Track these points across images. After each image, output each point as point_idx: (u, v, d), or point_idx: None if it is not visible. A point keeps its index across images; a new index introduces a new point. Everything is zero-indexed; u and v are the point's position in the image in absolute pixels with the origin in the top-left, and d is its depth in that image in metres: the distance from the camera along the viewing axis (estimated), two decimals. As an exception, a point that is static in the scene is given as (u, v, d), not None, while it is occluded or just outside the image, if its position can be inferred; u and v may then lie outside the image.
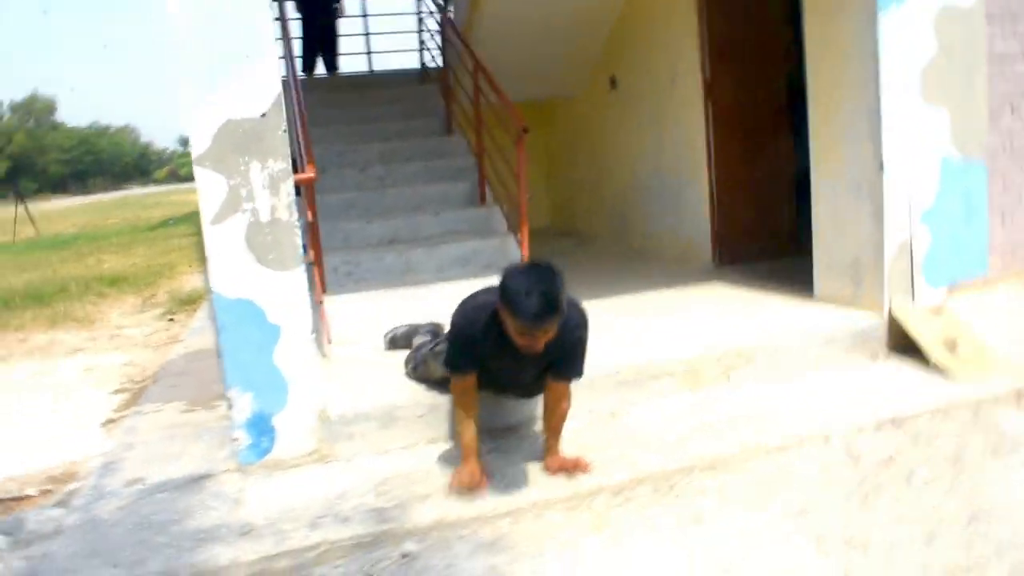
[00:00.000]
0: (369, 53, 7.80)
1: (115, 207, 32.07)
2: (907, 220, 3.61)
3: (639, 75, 6.01)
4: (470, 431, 2.62)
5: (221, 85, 2.63)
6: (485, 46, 5.77)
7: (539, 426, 2.93)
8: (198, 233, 3.32)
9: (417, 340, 3.45)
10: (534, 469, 2.73)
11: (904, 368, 3.48)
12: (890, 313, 3.63)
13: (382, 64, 7.94)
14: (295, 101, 4.19)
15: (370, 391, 3.14)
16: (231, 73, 2.63)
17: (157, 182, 70.86)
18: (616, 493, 2.60)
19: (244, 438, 2.85)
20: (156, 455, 3.17)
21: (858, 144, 3.65)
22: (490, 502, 2.52)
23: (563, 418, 2.74)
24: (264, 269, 2.76)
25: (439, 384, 3.04)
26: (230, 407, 2.84)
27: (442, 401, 3.02)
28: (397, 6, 7.97)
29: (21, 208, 19.23)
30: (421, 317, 3.81)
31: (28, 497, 3.06)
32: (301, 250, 2.79)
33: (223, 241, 2.70)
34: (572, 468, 2.68)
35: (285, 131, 2.71)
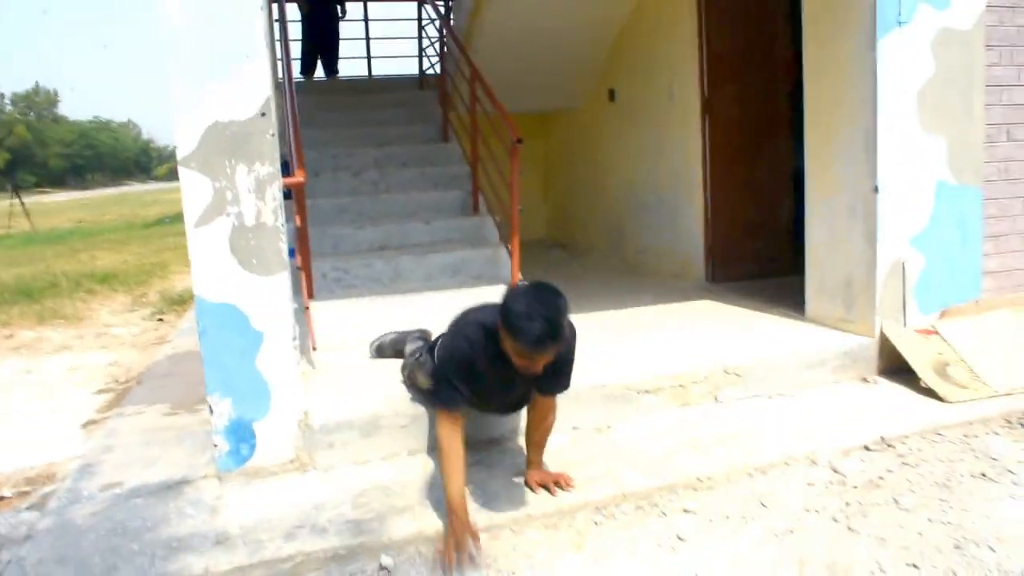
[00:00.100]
0: (369, 58, 7.79)
1: (113, 203, 32.03)
2: (900, 242, 3.59)
3: (638, 89, 6.01)
4: (460, 480, 2.38)
5: (209, 87, 2.60)
6: (484, 55, 5.75)
7: (522, 439, 2.90)
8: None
9: (409, 347, 3.41)
10: (516, 484, 2.70)
11: (894, 390, 3.46)
12: (881, 334, 3.61)
13: (382, 69, 7.91)
14: (289, 104, 4.16)
15: (353, 399, 3.11)
16: (220, 75, 2.60)
17: (157, 179, 70.76)
18: (598, 510, 2.57)
19: (223, 444, 2.81)
20: (135, 459, 3.12)
21: (853, 165, 3.63)
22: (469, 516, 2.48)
23: (548, 432, 2.71)
24: (248, 274, 2.72)
25: (429, 394, 3.00)
26: (211, 412, 2.80)
27: (424, 412, 2.99)
28: (399, 12, 7.97)
29: (16, 202, 19.14)
30: (408, 325, 3.79)
31: (3, 499, 3.01)
32: (286, 255, 2.75)
33: (206, 244, 2.67)
34: (554, 484, 2.64)
35: (273, 135, 2.68)
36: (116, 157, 78.69)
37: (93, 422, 3.83)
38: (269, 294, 2.76)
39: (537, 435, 2.70)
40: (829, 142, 3.78)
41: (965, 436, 2.99)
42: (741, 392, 3.42)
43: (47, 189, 56.02)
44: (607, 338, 3.89)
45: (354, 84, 7.26)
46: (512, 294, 2.32)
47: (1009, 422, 3.12)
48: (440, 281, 4.39)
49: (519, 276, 4.19)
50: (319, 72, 7.59)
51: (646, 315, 4.48)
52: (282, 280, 2.77)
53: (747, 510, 2.55)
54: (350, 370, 3.52)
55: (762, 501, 2.59)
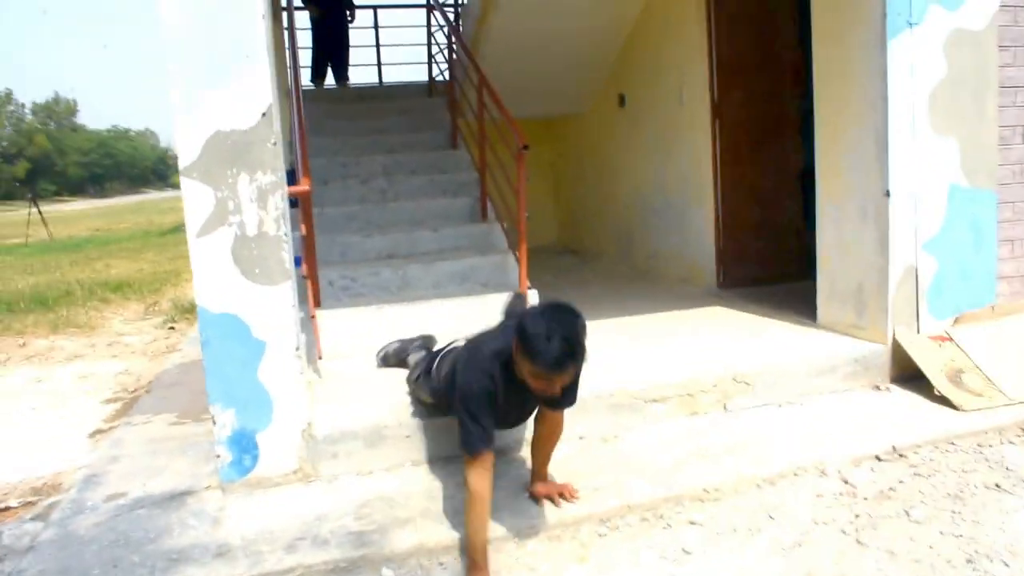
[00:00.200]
0: (380, 65, 7.81)
1: (130, 211, 32.37)
2: (913, 247, 3.53)
3: (647, 93, 5.97)
4: (487, 532, 2.29)
5: (210, 96, 2.60)
6: (492, 61, 5.75)
7: (526, 450, 2.87)
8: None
9: (412, 358, 3.40)
10: (520, 495, 2.67)
11: (907, 398, 3.39)
12: (894, 341, 3.54)
13: (392, 76, 7.93)
14: (296, 112, 4.17)
15: (357, 409, 3.09)
16: (221, 84, 2.60)
17: (175, 187, 71.31)
18: (602, 522, 2.53)
19: (226, 455, 2.80)
20: (140, 469, 3.13)
21: (864, 169, 3.58)
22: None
23: (554, 445, 2.67)
24: (250, 284, 2.71)
25: (431, 407, 2.98)
26: (213, 423, 2.79)
27: (429, 423, 2.96)
28: (408, 19, 7.99)
29: (35, 211, 19.38)
30: (415, 333, 3.77)
31: (9, 509, 3.02)
32: (288, 264, 2.74)
33: (208, 254, 2.67)
34: (559, 495, 2.61)
35: (275, 143, 2.67)
36: (134, 165, 79.62)
37: (100, 431, 3.85)
38: (271, 304, 2.75)
39: (544, 448, 2.66)
40: (839, 145, 3.73)
41: (979, 446, 2.92)
42: (750, 400, 3.37)
43: (66, 198, 56.80)
44: (615, 346, 3.85)
45: (363, 91, 7.28)
46: (529, 315, 2.23)
47: (1025, 431, 3.05)
48: (448, 289, 4.37)
49: (527, 283, 4.16)
50: (329, 79, 7.61)
51: (655, 322, 4.44)
52: (284, 290, 2.76)
53: (755, 522, 2.50)
54: (356, 379, 3.51)
55: (770, 513, 2.55)
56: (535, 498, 2.63)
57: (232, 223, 2.67)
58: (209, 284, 2.69)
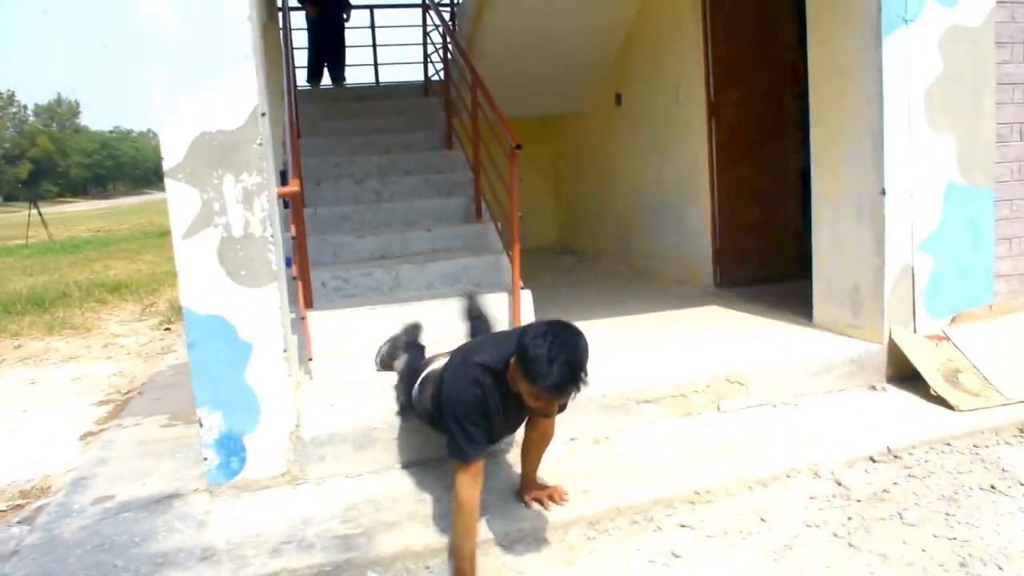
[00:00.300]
0: (376, 65, 7.79)
1: (132, 212, 32.38)
2: (909, 246, 3.49)
3: (644, 93, 5.94)
4: (475, 542, 2.26)
5: (196, 97, 2.57)
6: (489, 60, 5.72)
7: (516, 453, 2.84)
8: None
9: (397, 364, 3.33)
10: (508, 498, 2.64)
11: (903, 398, 3.35)
12: (890, 341, 3.51)
13: (389, 76, 7.91)
14: (288, 112, 4.14)
15: (346, 411, 3.06)
16: (207, 85, 2.58)
17: (177, 188, 71.23)
18: (591, 525, 2.50)
19: (213, 458, 2.78)
20: (128, 472, 3.11)
21: (860, 167, 3.54)
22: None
23: (545, 449, 2.63)
24: (236, 285, 2.69)
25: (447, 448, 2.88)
26: (200, 425, 2.77)
27: (418, 425, 2.93)
28: (404, 19, 7.96)
29: (35, 212, 19.41)
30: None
31: (-3, 512, 3.00)
32: (274, 266, 2.71)
33: (194, 256, 2.64)
34: (548, 497, 2.58)
35: (261, 144, 2.64)
36: (137, 166, 79.66)
37: (91, 433, 3.83)
38: (258, 305, 2.73)
39: (534, 453, 2.62)
40: (835, 143, 3.69)
41: (975, 446, 2.89)
42: (744, 401, 3.34)
43: (69, 199, 56.90)
44: (610, 346, 3.82)
45: (359, 91, 7.26)
46: (530, 334, 2.13)
47: (1022, 431, 3.01)
48: (441, 289, 4.35)
49: (520, 284, 4.13)
50: (326, 79, 7.59)
51: (650, 322, 4.41)
52: (271, 291, 2.74)
53: (746, 525, 2.47)
54: (346, 381, 3.48)
55: (762, 515, 2.51)
56: (524, 501, 2.60)
57: (218, 224, 2.64)
58: (195, 286, 2.67)
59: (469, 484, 2.25)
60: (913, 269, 3.51)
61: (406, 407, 2.87)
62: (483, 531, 2.41)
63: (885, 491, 2.62)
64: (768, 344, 3.74)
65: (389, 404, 3.08)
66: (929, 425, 3.06)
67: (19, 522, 2.86)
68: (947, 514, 2.44)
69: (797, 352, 3.58)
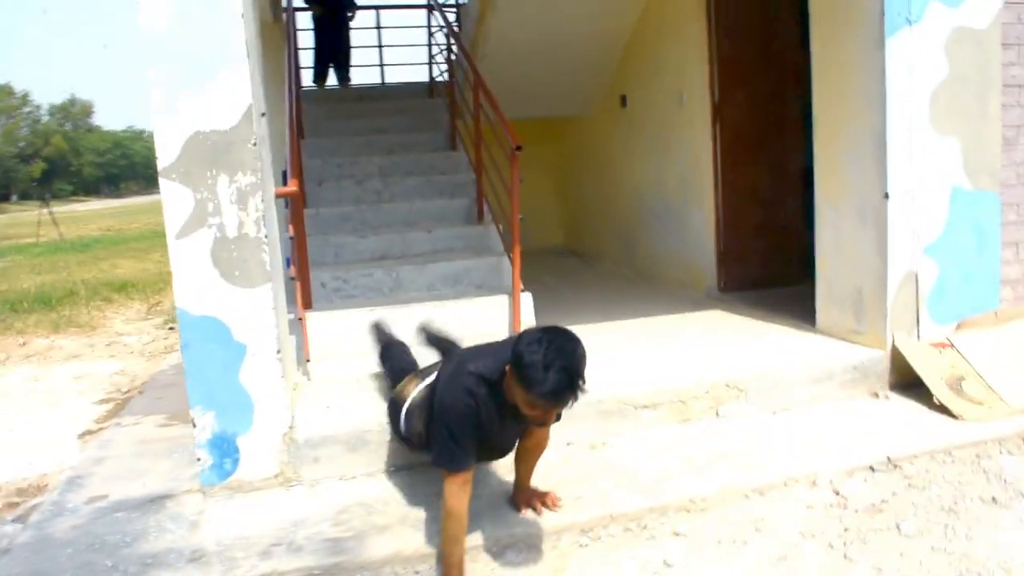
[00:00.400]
0: (382, 65, 7.78)
1: (143, 211, 32.53)
2: (913, 250, 3.44)
3: (648, 94, 5.90)
4: (463, 550, 2.24)
5: (190, 96, 2.57)
6: (493, 62, 5.70)
7: (509, 458, 2.80)
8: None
9: (386, 382, 3.24)
10: (500, 503, 2.61)
11: (905, 406, 3.30)
12: (893, 347, 3.46)
13: (395, 77, 7.91)
14: (288, 112, 4.14)
15: (341, 413, 3.05)
16: (200, 84, 2.57)
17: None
18: (584, 532, 2.47)
19: (206, 458, 2.77)
20: (124, 471, 3.11)
21: (862, 170, 3.50)
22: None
23: (539, 456, 2.59)
24: (230, 286, 2.68)
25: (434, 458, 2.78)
26: (194, 426, 2.76)
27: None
28: (410, 19, 7.96)
29: (47, 210, 19.56)
30: (406, 336, 3.72)
31: (-7, 510, 3.01)
32: (268, 267, 2.70)
33: (188, 256, 2.64)
34: (541, 503, 2.55)
35: (255, 144, 2.64)
36: (149, 166, 79.78)
37: (90, 432, 3.83)
38: (252, 306, 2.72)
39: (528, 460, 2.58)
40: (837, 145, 3.65)
41: (977, 457, 2.84)
42: (744, 407, 3.30)
43: (82, 197, 57.32)
44: (609, 349, 3.78)
45: (364, 92, 7.25)
46: (525, 341, 2.07)
47: (1026, 441, 2.96)
48: (441, 291, 4.33)
49: (520, 286, 4.10)
50: (332, 80, 7.59)
51: (651, 325, 4.37)
52: (265, 292, 2.72)
53: (741, 534, 2.44)
54: (343, 382, 3.46)
55: (757, 525, 2.48)
56: (516, 506, 2.57)
57: (212, 225, 2.64)
58: (189, 286, 2.66)
59: (457, 493, 2.22)
60: (917, 274, 3.46)
61: (404, 441, 2.74)
62: (474, 535, 2.39)
63: (884, 501, 2.58)
64: (769, 349, 3.70)
65: (383, 407, 3.05)
66: (931, 434, 3.01)
67: (13, 520, 2.86)
68: (946, 526, 2.40)
69: (798, 358, 3.54)
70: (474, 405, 2.23)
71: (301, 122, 5.35)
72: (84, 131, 70.22)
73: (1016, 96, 3.54)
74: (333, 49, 7.42)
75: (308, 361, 3.63)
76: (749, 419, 3.24)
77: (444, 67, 6.47)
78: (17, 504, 3.07)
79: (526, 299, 4.12)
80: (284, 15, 6.03)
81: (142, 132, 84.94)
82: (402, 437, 2.68)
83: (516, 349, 2.09)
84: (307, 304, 3.87)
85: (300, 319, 3.68)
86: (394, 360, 3.16)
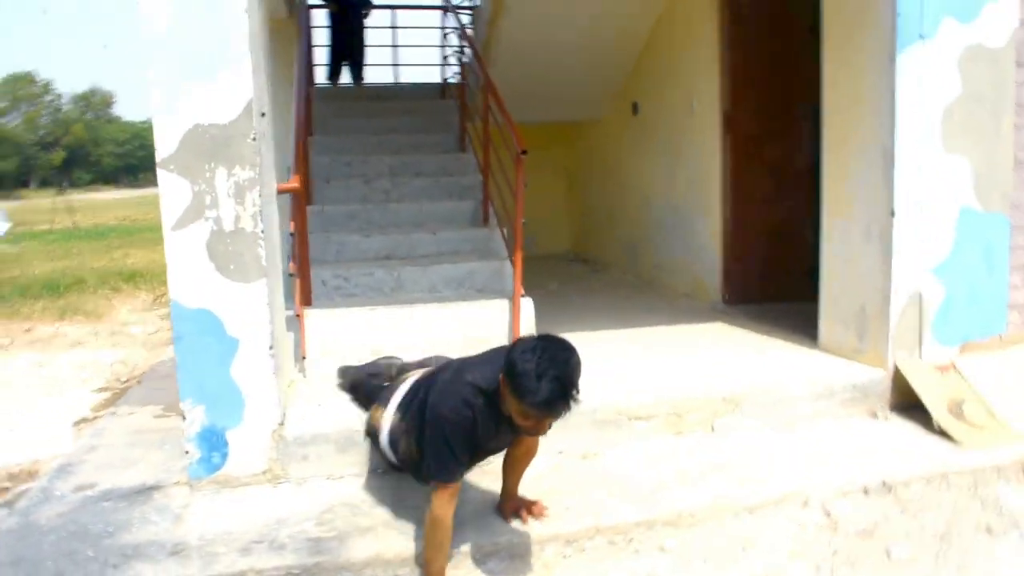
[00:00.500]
0: (396, 65, 7.80)
1: (159, 202, 32.79)
2: (919, 271, 3.39)
3: (659, 102, 5.87)
4: (445, 556, 2.23)
5: (190, 88, 2.57)
6: (504, 64, 5.70)
7: (498, 463, 2.78)
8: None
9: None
10: (487, 511, 2.59)
11: (904, 428, 3.25)
12: (895, 368, 3.41)
13: (409, 77, 7.92)
14: (295, 109, 4.14)
15: (333, 411, 3.04)
16: (201, 77, 2.57)
17: (206, 179, 72.05)
18: (569, 543, 2.45)
19: (195, 452, 2.76)
20: (115, 460, 3.11)
21: (870, 187, 3.45)
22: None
23: (528, 464, 2.57)
24: (225, 280, 2.68)
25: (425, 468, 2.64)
26: (183, 418, 2.76)
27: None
28: (425, 20, 7.96)
29: (63, 198, 19.75)
30: (405, 336, 3.72)
31: (-18, 495, 3.02)
32: (264, 262, 2.70)
33: (184, 248, 2.64)
34: (527, 512, 2.52)
35: (254, 139, 2.63)
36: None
37: (85, 420, 3.85)
38: (246, 301, 2.71)
39: (517, 468, 2.55)
40: (844, 160, 3.61)
41: (974, 484, 2.78)
42: (741, 421, 3.25)
43: (101, 187, 57.78)
44: (607, 359, 3.75)
45: (376, 91, 7.26)
46: (518, 349, 2.06)
47: (1026, 469, 2.90)
48: (443, 293, 4.31)
49: (521, 291, 4.08)
50: (345, 78, 7.61)
51: (653, 336, 4.33)
52: (260, 287, 2.72)
53: (728, 552, 2.40)
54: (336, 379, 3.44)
55: (745, 543, 2.45)
56: (503, 515, 2.54)
57: (208, 218, 2.64)
58: (184, 279, 2.66)
59: (447, 503, 2.19)
60: (922, 295, 3.40)
61: (393, 468, 2.67)
62: (458, 542, 2.36)
63: (876, 525, 2.53)
64: (770, 365, 3.66)
65: (375, 407, 3.04)
66: (928, 458, 2.95)
67: (1, 506, 2.87)
68: (938, 554, 2.36)
69: (799, 375, 3.49)
70: (471, 416, 2.21)
71: (310, 118, 5.36)
72: (104, 121, 70.83)
73: (1030, 117, 3.48)
74: (347, 47, 7.44)
75: (304, 358, 3.62)
76: (746, 434, 3.20)
77: (456, 69, 6.47)
78: (7, 489, 3.09)
79: (527, 304, 4.09)
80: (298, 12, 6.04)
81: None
82: (391, 464, 2.61)
83: (509, 357, 2.06)
84: (306, 301, 3.86)
85: (298, 316, 3.68)
86: (359, 394, 3.05)
